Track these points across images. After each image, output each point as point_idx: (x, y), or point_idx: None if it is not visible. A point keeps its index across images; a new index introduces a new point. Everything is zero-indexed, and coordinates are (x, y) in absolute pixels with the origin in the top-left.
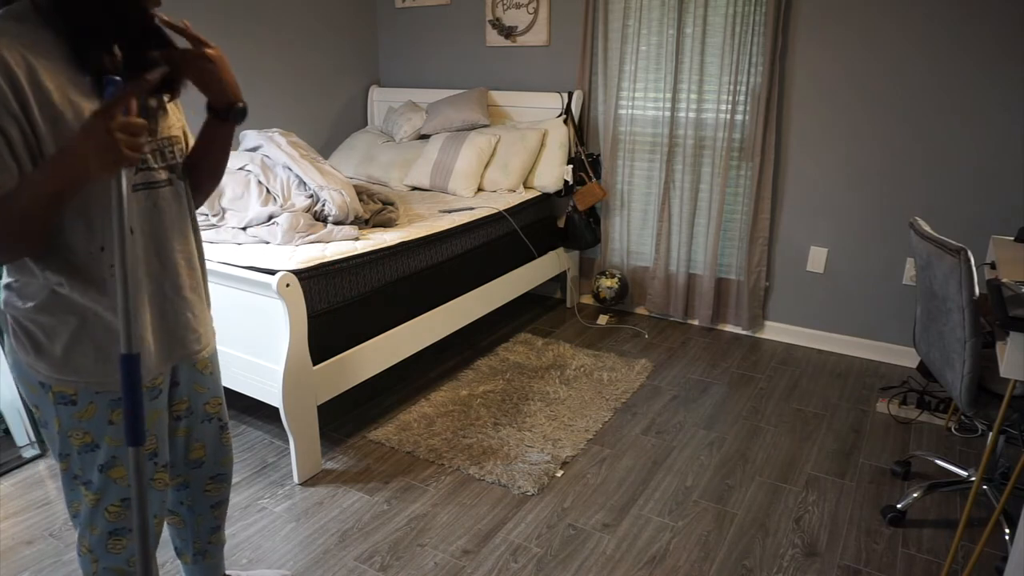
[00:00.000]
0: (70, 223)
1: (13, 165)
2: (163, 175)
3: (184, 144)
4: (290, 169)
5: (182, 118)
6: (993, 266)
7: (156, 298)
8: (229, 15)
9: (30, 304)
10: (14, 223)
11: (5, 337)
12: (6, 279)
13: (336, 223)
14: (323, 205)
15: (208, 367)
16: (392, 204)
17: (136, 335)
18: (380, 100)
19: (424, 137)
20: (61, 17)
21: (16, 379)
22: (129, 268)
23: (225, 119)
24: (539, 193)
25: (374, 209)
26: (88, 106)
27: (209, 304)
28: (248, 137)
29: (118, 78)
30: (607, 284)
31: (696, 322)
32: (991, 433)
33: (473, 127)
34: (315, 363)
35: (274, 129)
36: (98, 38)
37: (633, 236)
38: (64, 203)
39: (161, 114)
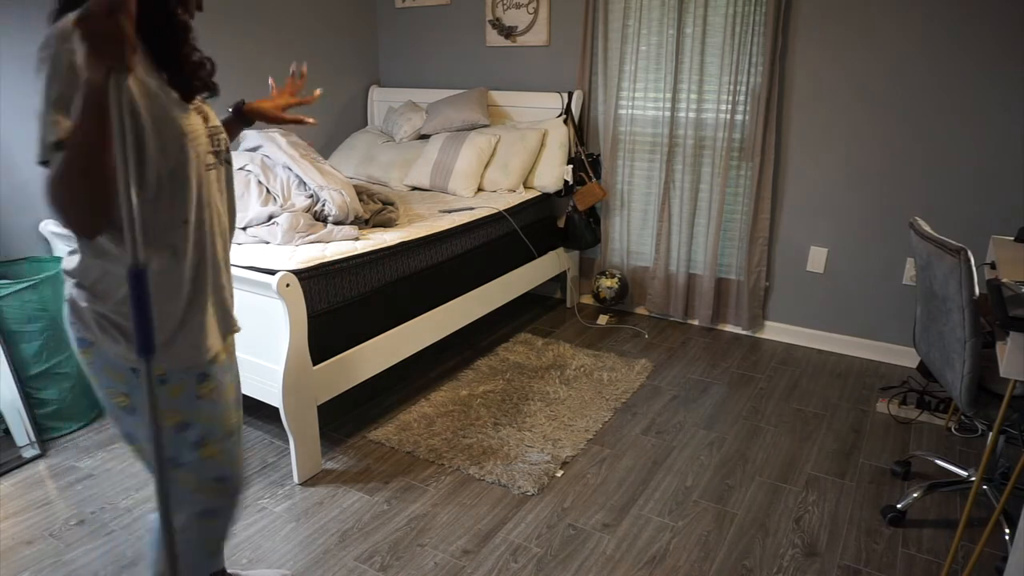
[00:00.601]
0: (153, 197)
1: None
2: (211, 159)
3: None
4: (290, 169)
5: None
6: (993, 266)
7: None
8: (229, 15)
9: (113, 299)
10: (83, 162)
11: (77, 337)
12: (75, 286)
13: (336, 223)
14: (323, 205)
15: (232, 347)
16: (392, 204)
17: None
18: (380, 100)
19: (424, 137)
20: None
21: (99, 372)
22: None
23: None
24: (539, 193)
25: (374, 209)
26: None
27: None
28: (248, 137)
29: None
30: (607, 284)
31: (696, 322)
32: (991, 433)
33: (473, 127)
34: (315, 363)
35: (274, 129)
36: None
37: (633, 236)
38: (104, 114)
39: (208, 104)
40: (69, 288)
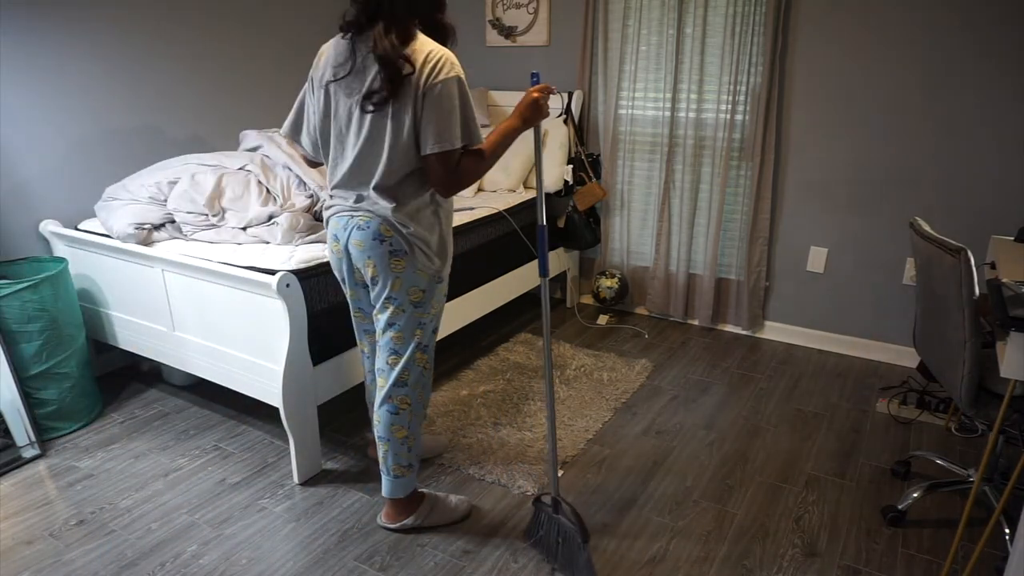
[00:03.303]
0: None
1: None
2: None
3: None
4: (290, 169)
5: None
6: (993, 266)
7: None
8: (228, 19)
9: (429, 230)
10: (497, 159)
11: (393, 257)
12: (405, 220)
13: None
14: (323, 205)
15: None
16: None
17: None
18: None
19: None
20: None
21: (407, 282)
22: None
23: None
24: None
25: None
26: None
27: None
28: (248, 137)
29: (537, 72)
30: (607, 284)
31: (696, 322)
32: (991, 433)
33: None
34: (315, 363)
35: (274, 130)
36: None
37: (633, 236)
38: (511, 144)
39: None
40: (391, 217)
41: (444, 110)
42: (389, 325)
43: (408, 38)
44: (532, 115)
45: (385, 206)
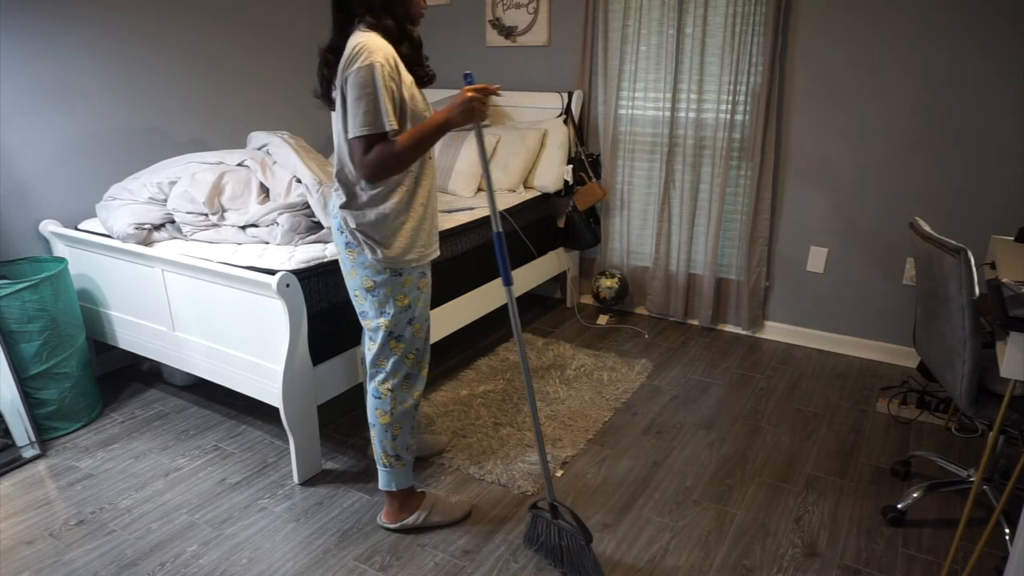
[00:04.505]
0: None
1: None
2: None
3: None
4: (291, 168)
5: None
6: (993, 266)
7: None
8: (229, 20)
9: (379, 223)
10: (416, 152)
11: (347, 249)
12: (353, 217)
13: None
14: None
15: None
16: None
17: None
18: None
19: None
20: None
21: (360, 272)
22: (433, 184)
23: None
24: (539, 193)
25: None
26: (417, 93)
27: None
28: (255, 138)
29: (470, 72)
30: (607, 284)
31: (696, 322)
32: (991, 433)
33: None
34: (315, 363)
35: (283, 133)
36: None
37: (633, 236)
38: (438, 139)
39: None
40: (343, 211)
41: (353, 98)
42: (361, 313)
43: (344, 34)
44: (461, 114)
45: (340, 199)
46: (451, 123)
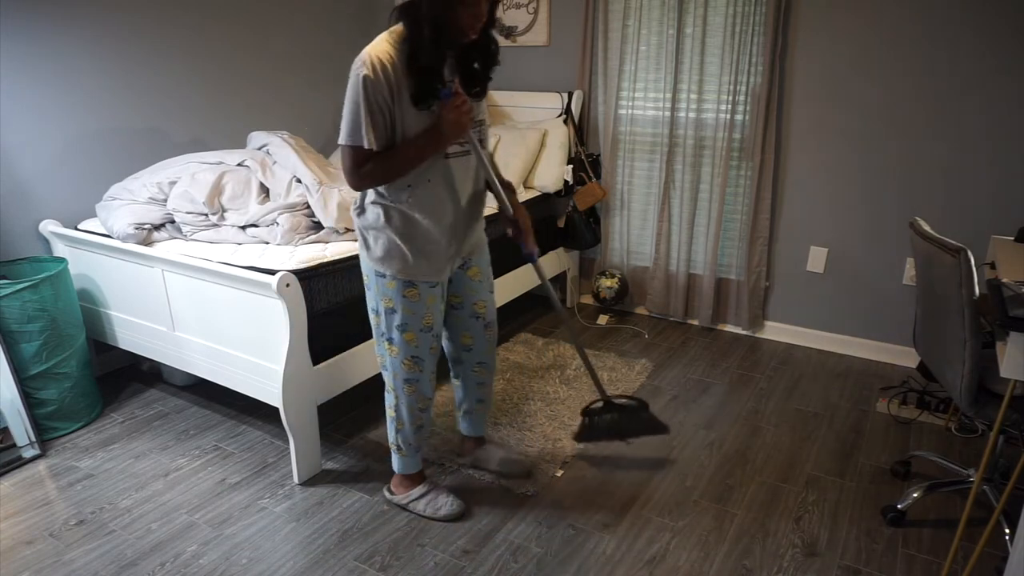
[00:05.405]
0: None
1: (384, 135)
2: (466, 146)
3: (487, 126)
4: (291, 168)
5: (486, 110)
6: (993, 266)
7: (452, 223)
8: (231, 19)
9: (373, 227)
10: (398, 170)
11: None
12: (357, 215)
13: None
14: None
15: (478, 276)
16: None
17: (444, 240)
18: None
19: None
20: (413, 62)
21: (362, 268)
22: (436, 200)
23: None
24: (539, 193)
25: None
26: (412, 110)
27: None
28: (255, 138)
29: (450, 84)
30: (607, 284)
31: (696, 322)
32: (991, 433)
33: None
34: (315, 363)
35: (283, 133)
36: (430, 75)
37: (633, 236)
38: (425, 158)
39: (474, 104)
40: (354, 208)
41: (344, 107)
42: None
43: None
44: (450, 130)
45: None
46: (441, 141)
